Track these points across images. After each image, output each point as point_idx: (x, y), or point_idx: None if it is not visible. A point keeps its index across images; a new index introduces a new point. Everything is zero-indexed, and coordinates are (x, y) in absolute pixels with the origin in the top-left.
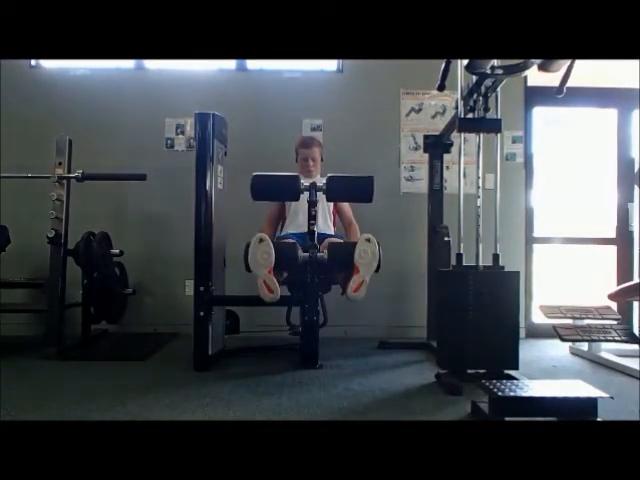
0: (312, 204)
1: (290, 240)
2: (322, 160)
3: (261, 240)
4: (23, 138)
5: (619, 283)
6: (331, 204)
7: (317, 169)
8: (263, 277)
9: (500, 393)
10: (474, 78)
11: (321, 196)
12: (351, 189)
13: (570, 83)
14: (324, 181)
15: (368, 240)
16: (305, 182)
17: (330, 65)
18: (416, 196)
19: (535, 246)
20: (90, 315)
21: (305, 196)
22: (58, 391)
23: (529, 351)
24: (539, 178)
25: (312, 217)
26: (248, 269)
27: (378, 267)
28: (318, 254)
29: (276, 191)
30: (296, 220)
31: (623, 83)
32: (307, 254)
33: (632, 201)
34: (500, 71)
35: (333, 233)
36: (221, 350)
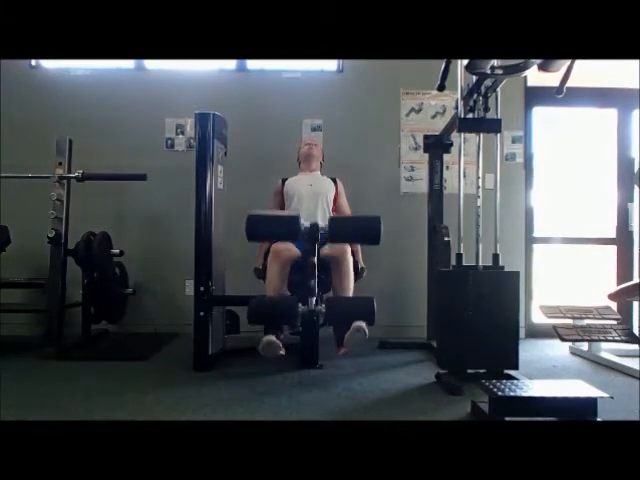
0: (312, 267)
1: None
2: (323, 160)
3: (269, 344)
4: (23, 138)
5: (619, 283)
6: (330, 202)
7: (318, 162)
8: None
9: (500, 393)
10: (474, 78)
11: (320, 193)
12: (356, 231)
13: (570, 83)
14: (325, 223)
15: (358, 331)
16: (304, 178)
17: (330, 65)
18: (416, 196)
19: (535, 246)
20: (90, 315)
21: (305, 190)
22: (58, 391)
23: (529, 351)
24: (539, 178)
25: (311, 290)
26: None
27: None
28: (317, 308)
29: (274, 232)
30: None
31: (623, 83)
32: (306, 308)
33: (632, 201)
34: (500, 71)
35: None
36: (221, 350)
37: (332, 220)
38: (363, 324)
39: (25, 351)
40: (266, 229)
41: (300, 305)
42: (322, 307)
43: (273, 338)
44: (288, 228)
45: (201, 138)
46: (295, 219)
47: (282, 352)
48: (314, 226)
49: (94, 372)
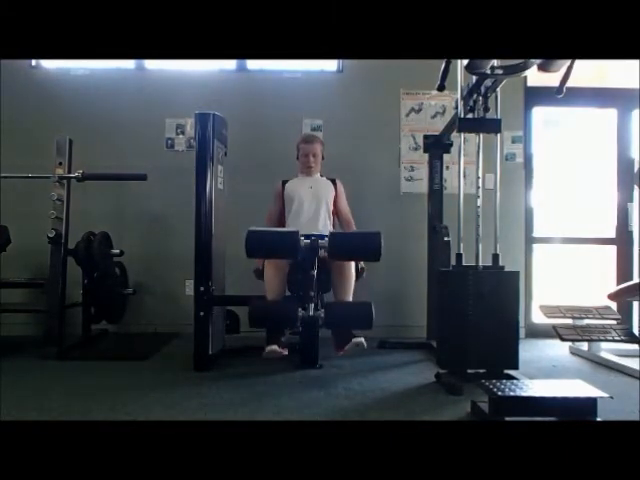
0: (310, 279)
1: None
2: (323, 158)
3: (273, 351)
4: (23, 138)
5: (619, 283)
6: (331, 204)
7: (317, 166)
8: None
9: (500, 393)
10: (474, 78)
11: (321, 195)
12: (356, 247)
13: (570, 83)
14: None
15: (357, 345)
16: (304, 181)
17: (330, 65)
18: (416, 196)
19: (535, 246)
20: (90, 315)
21: (306, 193)
22: (58, 391)
23: (529, 351)
24: (539, 178)
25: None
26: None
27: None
28: (316, 313)
29: (273, 248)
30: (297, 222)
31: (623, 83)
32: (305, 313)
33: (632, 201)
34: (500, 71)
35: None
36: (221, 350)
37: (332, 236)
38: (362, 339)
39: (25, 351)
40: (266, 245)
41: (300, 310)
42: (321, 312)
43: (275, 347)
44: (288, 244)
45: (201, 138)
46: (294, 235)
47: (285, 353)
48: (314, 242)
49: (94, 372)
